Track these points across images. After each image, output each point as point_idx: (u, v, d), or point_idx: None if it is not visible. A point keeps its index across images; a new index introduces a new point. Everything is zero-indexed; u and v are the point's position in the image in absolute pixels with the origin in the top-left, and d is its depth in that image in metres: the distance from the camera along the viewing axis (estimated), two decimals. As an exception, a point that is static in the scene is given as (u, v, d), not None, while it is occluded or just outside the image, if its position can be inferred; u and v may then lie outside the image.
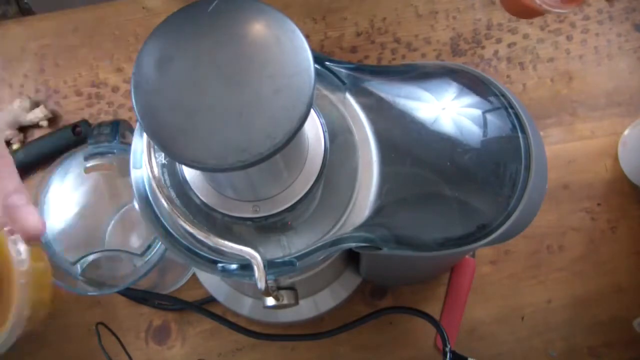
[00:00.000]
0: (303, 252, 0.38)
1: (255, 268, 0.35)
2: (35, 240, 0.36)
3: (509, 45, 0.69)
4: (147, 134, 0.31)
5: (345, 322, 0.56)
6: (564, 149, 0.66)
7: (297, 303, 0.41)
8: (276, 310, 0.55)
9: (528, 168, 0.40)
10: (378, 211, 0.39)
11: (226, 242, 0.35)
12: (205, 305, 0.61)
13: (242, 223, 0.38)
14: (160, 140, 0.30)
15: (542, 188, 0.43)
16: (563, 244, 0.64)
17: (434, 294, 0.63)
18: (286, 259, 0.38)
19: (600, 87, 0.68)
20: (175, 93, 0.30)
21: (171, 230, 0.39)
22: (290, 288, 0.41)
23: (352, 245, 0.39)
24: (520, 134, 0.41)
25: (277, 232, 0.39)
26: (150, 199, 0.39)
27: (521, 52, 0.69)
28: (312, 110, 0.38)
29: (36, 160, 0.66)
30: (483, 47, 0.70)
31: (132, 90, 0.31)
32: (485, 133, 0.41)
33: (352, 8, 0.72)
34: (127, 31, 0.72)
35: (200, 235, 0.36)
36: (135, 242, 0.62)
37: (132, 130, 0.61)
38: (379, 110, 0.41)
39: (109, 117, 0.69)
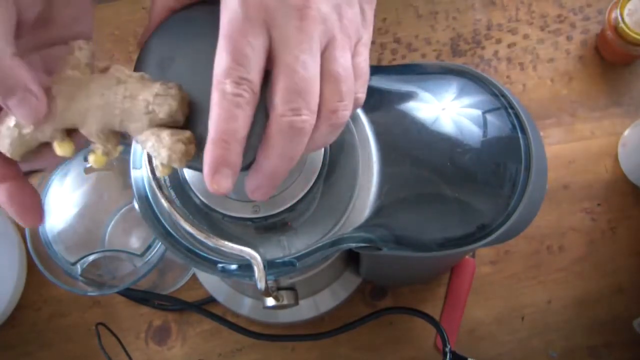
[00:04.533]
0: (303, 252, 0.38)
1: (255, 268, 0.35)
2: None
3: (509, 46, 0.69)
4: None
5: (346, 323, 0.56)
6: (564, 149, 0.66)
7: (297, 303, 0.41)
8: (276, 311, 0.55)
9: (528, 168, 0.40)
10: (378, 211, 0.39)
11: (226, 243, 0.35)
12: (205, 306, 0.61)
13: (242, 223, 0.38)
14: None
15: (542, 188, 0.43)
16: (563, 244, 0.64)
17: (434, 294, 0.63)
18: (286, 259, 0.38)
19: (600, 87, 0.68)
20: None
21: (171, 231, 0.39)
22: (290, 288, 0.41)
23: (352, 245, 0.39)
24: (520, 134, 0.41)
25: (277, 233, 0.39)
26: (150, 199, 0.39)
27: (521, 53, 0.69)
28: (312, 111, 0.38)
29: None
30: (483, 48, 0.70)
31: None
32: (485, 133, 0.41)
33: (352, 8, 0.72)
34: (127, 31, 0.72)
35: (200, 235, 0.36)
36: (135, 242, 0.63)
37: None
38: (379, 110, 0.41)
39: (109, 117, 0.69)
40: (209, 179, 0.29)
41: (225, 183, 0.29)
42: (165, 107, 0.29)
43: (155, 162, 0.31)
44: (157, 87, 0.30)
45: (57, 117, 0.30)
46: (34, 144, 0.30)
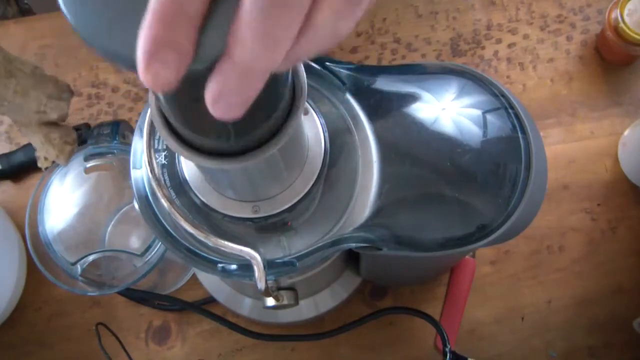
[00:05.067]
0: (303, 252, 0.38)
1: (255, 268, 0.35)
2: None
3: (509, 46, 0.70)
4: (74, 24, 0.22)
5: (345, 323, 0.56)
6: (564, 149, 0.66)
7: (297, 303, 0.42)
8: (276, 311, 0.55)
9: (528, 168, 0.40)
10: (378, 211, 0.39)
11: (226, 243, 0.35)
12: (205, 306, 0.61)
13: (242, 223, 0.38)
14: (91, 30, 0.21)
15: (542, 188, 0.43)
16: (563, 244, 0.64)
17: (434, 294, 0.63)
18: (286, 259, 0.38)
19: (600, 87, 0.68)
20: None
21: (171, 231, 0.39)
22: (290, 288, 0.41)
23: (352, 245, 0.39)
24: (520, 134, 0.41)
25: (277, 233, 0.39)
26: (150, 199, 0.39)
27: (521, 53, 0.69)
28: (312, 111, 0.38)
29: (36, 161, 0.66)
30: (483, 48, 0.70)
31: None
32: (485, 133, 0.41)
33: (352, 8, 0.72)
34: (127, 31, 0.72)
35: (200, 235, 0.36)
36: (135, 242, 0.63)
37: (132, 130, 0.61)
38: (379, 111, 0.41)
39: (109, 118, 0.69)
40: (142, 66, 0.20)
41: (164, 73, 0.20)
42: (57, 111, 0.29)
43: (37, 153, 0.30)
44: (50, 88, 0.29)
45: None
46: None
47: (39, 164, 0.30)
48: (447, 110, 0.41)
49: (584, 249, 0.64)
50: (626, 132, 0.65)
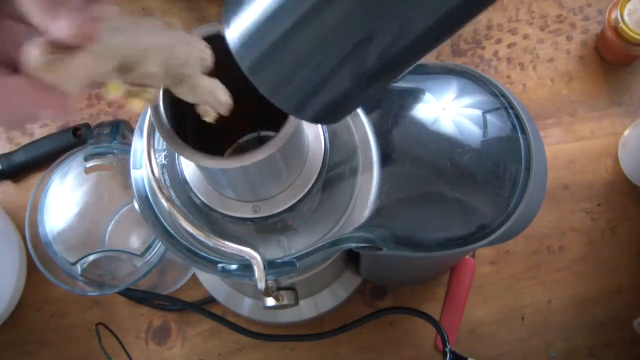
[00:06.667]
0: (303, 252, 0.38)
1: (255, 268, 0.35)
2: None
3: (509, 46, 0.69)
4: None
5: (346, 323, 0.56)
6: (564, 149, 0.66)
7: (297, 303, 0.42)
8: (276, 311, 0.55)
9: (528, 168, 0.40)
10: (378, 211, 0.39)
11: (226, 242, 0.35)
12: (205, 306, 0.61)
13: (242, 223, 0.38)
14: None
15: (542, 188, 0.43)
16: (563, 244, 0.64)
17: (434, 294, 0.63)
18: (286, 259, 0.38)
19: (600, 88, 0.68)
20: None
21: (171, 231, 0.39)
22: (290, 288, 0.41)
23: (352, 245, 0.39)
24: (520, 134, 0.41)
25: (277, 233, 0.39)
26: (150, 199, 0.39)
27: (521, 53, 0.69)
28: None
29: (36, 161, 0.66)
30: (483, 48, 0.69)
31: None
32: (485, 133, 0.41)
33: (352, 8, 0.72)
34: (127, 31, 0.72)
35: (200, 235, 0.36)
36: (135, 242, 0.63)
37: (132, 131, 0.61)
38: (379, 111, 0.41)
39: (109, 118, 0.69)
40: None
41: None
42: (211, 57, 0.30)
43: (203, 107, 0.31)
44: (199, 39, 0.29)
45: (114, 51, 0.26)
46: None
47: (207, 118, 0.31)
48: (447, 110, 0.41)
49: (584, 249, 0.64)
50: (626, 132, 0.65)
